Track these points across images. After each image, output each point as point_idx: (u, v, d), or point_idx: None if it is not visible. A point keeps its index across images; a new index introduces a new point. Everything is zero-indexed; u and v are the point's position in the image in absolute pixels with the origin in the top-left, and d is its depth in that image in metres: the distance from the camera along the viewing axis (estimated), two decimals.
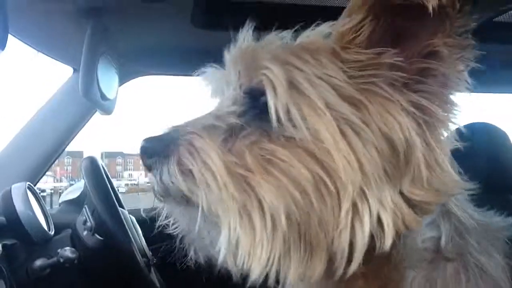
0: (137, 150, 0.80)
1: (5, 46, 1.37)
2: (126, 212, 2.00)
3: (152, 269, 1.98)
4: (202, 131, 0.75)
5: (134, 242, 1.67)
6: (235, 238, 0.66)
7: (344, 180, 0.65)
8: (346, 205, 0.66)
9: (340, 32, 0.73)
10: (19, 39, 1.89)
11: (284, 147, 0.68)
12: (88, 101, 1.85)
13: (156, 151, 0.76)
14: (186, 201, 0.73)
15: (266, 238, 0.64)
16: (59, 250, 1.57)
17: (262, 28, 0.87)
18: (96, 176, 1.74)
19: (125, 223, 1.68)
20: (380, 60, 0.70)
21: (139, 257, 1.66)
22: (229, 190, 0.66)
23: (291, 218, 0.65)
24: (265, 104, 0.71)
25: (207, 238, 0.77)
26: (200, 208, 0.68)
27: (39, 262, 1.60)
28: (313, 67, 0.71)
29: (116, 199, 1.92)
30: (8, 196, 1.64)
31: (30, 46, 1.97)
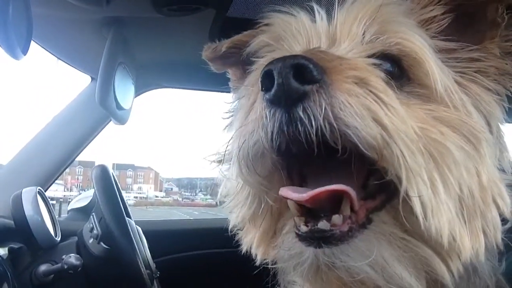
0: (274, 64, 0.60)
1: (27, 51, 1.40)
2: (133, 223, 1.99)
3: (155, 282, 1.96)
4: (368, 68, 0.67)
5: (139, 253, 1.66)
6: (429, 199, 0.63)
7: (483, 144, 0.70)
8: (485, 169, 0.70)
9: (420, 19, 0.79)
10: (41, 45, 1.93)
11: (444, 111, 0.70)
12: (104, 110, 1.87)
13: (316, 76, 0.61)
14: (360, 153, 0.62)
15: (448, 198, 0.65)
16: (63, 257, 1.57)
17: None
18: (106, 184, 1.74)
19: (131, 233, 1.67)
20: (469, 55, 0.78)
21: (143, 268, 1.64)
22: (420, 144, 0.63)
23: (459, 178, 0.67)
24: (404, 68, 0.73)
25: None
26: (401, 166, 0.61)
27: (43, 267, 1.60)
28: (430, 47, 0.76)
29: (124, 209, 1.92)
30: (18, 200, 1.66)
31: (51, 53, 2.02)
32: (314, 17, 0.82)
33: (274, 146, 0.64)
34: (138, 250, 1.69)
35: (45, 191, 1.96)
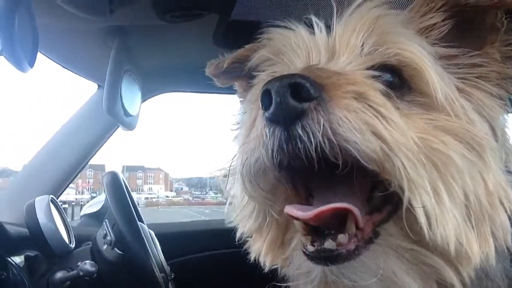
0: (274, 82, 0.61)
1: (34, 63, 1.43)
2: (146, 227, 2.02)
3: (170, 285, 1.99)
4: (367, 82, 0.68)
5: (152, 258, 1.68)
6: (433, 210, 0.64)
7: (487, 151, 0.70)
8: (490, 174, 0.70)
9: (420, 27, 0.80)
10: (46, 56, 1.96)
11: (446, 119, 0.71)
12: (112, 117, 1.90)
13: (313, 94, 0.62)
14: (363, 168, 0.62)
15: (453, 206, 0.65)
16: (79, 264, 1.60)
17: None
18: (117, 191, 1.76)
19: (144, 238, 1.69)
20: (471, 61, 0.78)
21: (157, 272, 1.67)
22: (421, 157, 0.64)
23: (463, 186, 0.67)
24: (405, 78, 0.74)
25: None
26: (403, 178, 0.62)
27: (59, 275, 1.63)
28: (430, 55, 0.76)
29: (136, 213, 1.94)
30: (32, 209, 1.69)
31: (57, 63, 2.05)
32: (313, 29, 0.83)
33: (275, 163, 0.65)
34: (151, 254, 1.72)
35: (57, 198, 2.00)
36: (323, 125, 0.61)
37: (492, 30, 0.78)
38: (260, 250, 0.83)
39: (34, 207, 1.69)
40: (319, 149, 0.61)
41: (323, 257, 0.64)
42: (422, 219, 0.64)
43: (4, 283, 1.37)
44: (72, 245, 1.80)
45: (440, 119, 0.70)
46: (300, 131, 0.62)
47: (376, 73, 0.72)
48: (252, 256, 0.85)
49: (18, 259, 1.65)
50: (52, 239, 1.67)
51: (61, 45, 1.87)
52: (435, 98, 0.71)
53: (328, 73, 0.67)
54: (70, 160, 2.18)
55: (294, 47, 0.82)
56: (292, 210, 0.67)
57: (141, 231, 1.71)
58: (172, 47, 2.05)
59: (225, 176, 0.84)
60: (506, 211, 0.71)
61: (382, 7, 0.80)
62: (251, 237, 0.85)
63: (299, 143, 0.62)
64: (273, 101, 0.62)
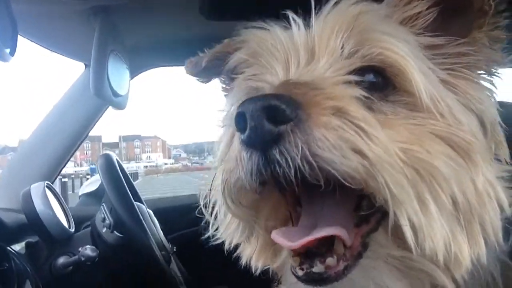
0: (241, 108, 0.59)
1: (15, 51, 1.39)
2: (143, 207, 2.03)
3: (172, 259, 2.02)
4: (346, 96, 0.64)
5: (151, 238, 1.70)
6: (419, 223, 0.63)
7: (475, 151, 0.68)
8: (480, 173, 0.68)
9: (404, 16, 0.77)
10: (30, 40, 1.90)
11: (432, 124, 0.68)
12: (101, 99, 1.86)
13: (290, 115, 0.59)
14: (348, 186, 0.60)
15: (441, 214, 0.64)
16: (80, 249, 1.61)
17: (272, 17, 0.85)
18: (112, 174, 1.76)
19: (142, 219, 1.70)
20: (457, 50, 0.75)
21: (157, 251, 1.69)
22: (405, 169, 0.62)
23: (456, 187, 0.66)
24: (389, 77, 0.71)
25: None
26: (387, 195, 0.60)
27: (61, 260, 1.65)
28: (414, 49, 0.73)
29: (133, 193, 1.95)
30: (28, 197, 1.68)
31: (41, 46, 1.99)
32: (291, 26, 0.79)
33: (255, 184, 0.64)
34: (150, 234, 1.74)
35: (52, 183, 2.00)
36: (301, 147, 0.58)
37: (479, 14, 0.74)
38: (251, 256, 0.83)
39: (30, 195, 1.69)
40: (298, 173, 0.59)
41: (312, 280, 0.64)
42: (408, 235, 0.63)
43: (7, 274, 1.38)
44: (72, 230, 1.81)
45: (425, 123, 0.68)
46: (277, 156, 0.59)
47: (357, 77, 0.69)
48: (243, 260, 0.84)
49: (18, 247, 1.67)
50: (51, 225, 1.68)
51: (44, 29, 1.82)
52: (420, 98, 0.69)
53: (305, 89, 0.63)
54: (63, 143, 2.16)
55: (271, 49, 0.78)
56: (278, 238, 0.66)
57: (138, 212, 1.72)
58: (157, 21, 1.99)
59: (206, 197, 0.82)
60: (495, 208, 0.70)
61: (362, 3, 0.76)
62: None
63: (277, 167, 0.60)
64: (248, 125, 0.60)
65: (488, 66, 0.77)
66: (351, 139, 0.59)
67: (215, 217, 0.82)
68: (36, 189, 1.72)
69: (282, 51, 0.77)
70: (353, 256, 0.66)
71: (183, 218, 2.63)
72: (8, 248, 1.52)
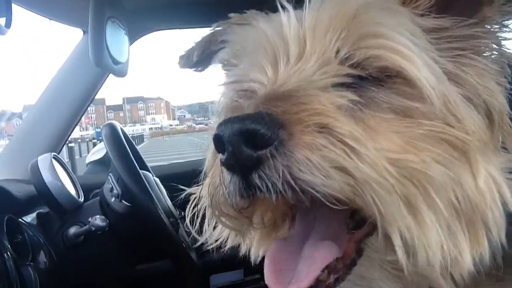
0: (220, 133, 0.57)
1: (11, 24, 1.36)
2: (150, 175, 2.04)
3: (180, 225, 2.06)
4: (330, 110, 0.60)
5: (159, 205, 1.73)
6: (409, 237, 0.60)
7: (474, 149, 0.65)
8: (481, 172, 0.65)
9: None
10: (25, 8, 1.86)
11: (421, 118, 0.64)
12: (101, 68, 1.83)
13: (270, 138, 0.56)
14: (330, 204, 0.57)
15: (437, 222, 0.61)
16: (90, 219, 1.64)
17: None
18: (117, 143, 1.76)
19: (148, 188, 1.72)
20: (464, 32, 0.70)
21: (165, 219, 1.72)
22: (396, 184, 0.58)
23: (453, 192, 0.63)
24: (381, 78, 0.65)
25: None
26: (376, 213, 0.58)
27: (73, 230, 1.69)
28: (416, 39, 0.67)
29: (139, 162, 1.96)
30: (36, 169, 1.70)
31: (38, 14, 1.95)
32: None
33: (238, 202, 0.63)
34: (157, 202, 1.76)
35: (58, 153, 2.01)
36: (282, 172, 0.56)
37: None
38: (250, 247, 0.82)
39: (38, 167, 1.70)
40: (279, 197, 0.57)
41: None
42: (400, 254, 0.60)
43: (21, 245, 1.42)
44: (81, 199, 1.84)
45: (421, 123, 0.63)
46: (258, 181, 0.57)
47: (347, 79, 0.65)
48: (242, 250, 0.84)
49: (29, 218, 1.70)
50: (61, 196, 1.70)
51: None
52: (428, 97, 0.64)
53: (287, 105, 0.59)
54: (66, 113, 2.15)
55: (258, 47, 0.73)
56: (268, 280, 0.64)
57: (145, 181, 1.73)
58: None
59: (194, 208, 0.80)
60: (498, 204, 0.66)
61: None
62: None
63: (258, 192, 0.58)
64: (226, 150, 0.57)
65: (499, 47, 0.71)
66: (335, 159, 0.56)
67: (207, 225, 0.80)
68: (44, 161, 1.74)
69: (269, 47, 0.71)
70: (346, 266, 0.65)
71: (190, 183, 2.67)
72: (20, 220, 1.55)
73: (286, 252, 0.67)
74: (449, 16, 0.70)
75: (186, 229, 2.05)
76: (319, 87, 0.63)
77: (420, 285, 0.68)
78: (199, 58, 0.94)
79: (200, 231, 0.82)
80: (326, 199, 0.56)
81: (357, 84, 0.65)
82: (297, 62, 0.68)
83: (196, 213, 0.78)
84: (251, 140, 0.56)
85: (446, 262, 0.63)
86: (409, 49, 0.64)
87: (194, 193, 0.80)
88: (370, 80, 0.65)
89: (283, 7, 0.73)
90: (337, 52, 0.66)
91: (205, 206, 0.73)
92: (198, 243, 0.85)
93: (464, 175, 0.64)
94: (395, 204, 0.58)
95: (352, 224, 0.66)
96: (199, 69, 0.99)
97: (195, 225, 0.80)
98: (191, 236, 2.12)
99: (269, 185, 0.56)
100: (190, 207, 0.79)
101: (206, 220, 0.77)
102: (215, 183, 0.66)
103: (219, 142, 0.58)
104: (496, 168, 0.68)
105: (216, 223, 0.79)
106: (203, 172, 0.79)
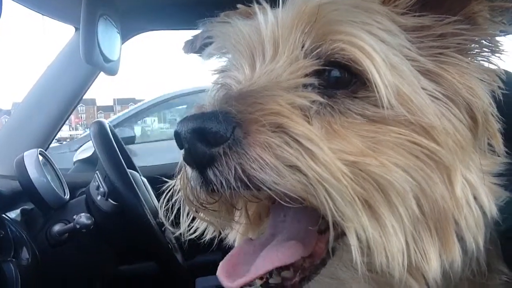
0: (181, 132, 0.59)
1: (0, 13, 1.34)
2: (137, 174, 2.03)
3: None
4: (286, 111, 0.61)
5: (145, 205, 1.71)
6: (367, 238, 0.60)
7: (448, 153, 0.64)
8: (458, 178, 0.65)
9: None
10: (19, 2, 1.84)
11: (391, 125, 0.64)
12: (92, 66, 1.82)
13: (224, 136, 0.58)
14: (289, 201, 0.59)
15: (398, 227, 0.61)
16: (75, 217, 1.62)
17: None
18: (105, 142, 1.74)
19: (135, 187, 1.70)
20: (446, 30, 0.69)
21: (152, 219, 1.70)
22: (350, 184, 0.58)
23: (416, 199, 0.63)
24: (355, 73, 0.66)
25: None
26: (332, 212, 0.58)
27: (57, 227, 1.66)
28: (390, 37, 0.67)
29: (127, 161, 1.94)
30: (21, 164, 1.67)
31: (31, 9, 1.94)
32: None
33: (201, 196, 0.65)
34: (144, 202, 1.74)
35: (45, 150, 1.98)
36: (235, 169, 0.58)
37: None
38: (235, 237, 0.83)
39: (24, 162, 1.68)
40: (233, 192, 0.59)
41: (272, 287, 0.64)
42: (356, 255, 0.61)
43: (4, 241, 1.40)
44: (67, 197, 1.82)
45: (387, 130, 0.63)
46: (212, 177, 0.59)
47: (314, 79, 0.66)
48: (230, 240, 0.84)
49: (13, 215, 1.67)
50: (46, 193, 1.68)
51: None
52: (381, 100, 0.64)
53: (245, 105, 0.61)
54: (54, 110, 2.13)
55: (236, 45, 0.75)
56: (220, 276, 0.65)
57: (132, 180, 1.72)
58: None
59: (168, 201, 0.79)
60: (474, 212, 0.67)
61: None
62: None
63: (214, 187, 0.60)
64: (184, 146, 0.60)
65: (489, 42, 0.71)
66: (288, 158, 0.57)
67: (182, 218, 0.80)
68: (30, 157, 1.71)
69: (246, 46, 0.74)
70: (314, 266, 0.65)
71: None
72: (4, 215, 1.52)
73: (249, 249, 0.69)
74: (436, 13, 0.70)
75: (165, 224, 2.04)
76: (284, 87, 0.65)
77: (392, 286, 0.67)
78: (201, 45, 0.97)
79: (176, 223, 0.82)
80: (279, 197, 0.58)
81: (332, 81, 0.66)
82: (271, 61, 0.70)
83: (171, 205, 0.78)
84: (204, 137, 0.58)
85: (408, 266, 0.63)
86: (370, 45, 0.65)
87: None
88: (344, 79, 0.67)
89: (260, 8, 0.75)
90: (303, 47, 0.68)
91: (181, 199, 0.74)
92: (175, 234, 0.85)
93: (435, 184, 0.64)
94: (349, 204, 0.58)
95: (324, 224, 0.65)
96: (205, 56, 1.01)
97: (169, 217, 0.80)
98: (175, 235, 2.12)
99: (223, 181, 0.59)
100: (163, 198, 0.79)
101: (181, 213, 0.78)
102: (183, 178, 0.68)
103: (178, 139, 0.61)
104: (476, 172, 0.68)
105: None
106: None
